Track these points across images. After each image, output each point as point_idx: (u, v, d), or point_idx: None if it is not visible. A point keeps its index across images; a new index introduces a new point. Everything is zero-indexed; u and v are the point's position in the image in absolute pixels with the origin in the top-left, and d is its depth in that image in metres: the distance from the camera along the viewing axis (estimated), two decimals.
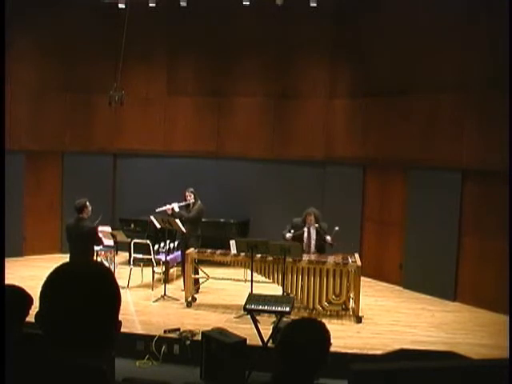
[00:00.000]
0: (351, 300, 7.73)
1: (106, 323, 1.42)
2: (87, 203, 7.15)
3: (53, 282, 1.41)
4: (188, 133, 11.17)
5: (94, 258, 8.06)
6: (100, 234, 7.68)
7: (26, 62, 10.58)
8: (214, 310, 7.87)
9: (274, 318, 6.93)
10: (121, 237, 8.69)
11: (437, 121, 8.85)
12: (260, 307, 6.25)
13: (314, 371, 2.28)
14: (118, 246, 9.56)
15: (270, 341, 6.07)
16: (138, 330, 6.94)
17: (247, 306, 6.24)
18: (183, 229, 8.36)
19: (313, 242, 8.17)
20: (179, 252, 9.18)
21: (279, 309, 6.16)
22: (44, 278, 1.43)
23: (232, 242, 8.04)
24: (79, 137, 11.14)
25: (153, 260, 8.90)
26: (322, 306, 7.64)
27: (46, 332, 1.39)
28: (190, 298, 8.05)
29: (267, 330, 6.34)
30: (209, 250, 8.21)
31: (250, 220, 10.85)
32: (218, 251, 8.16)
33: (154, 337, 6.50)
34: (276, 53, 10.76)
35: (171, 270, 9.37)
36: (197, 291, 8.50)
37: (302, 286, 7.66)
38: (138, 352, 6.44)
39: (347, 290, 7.60)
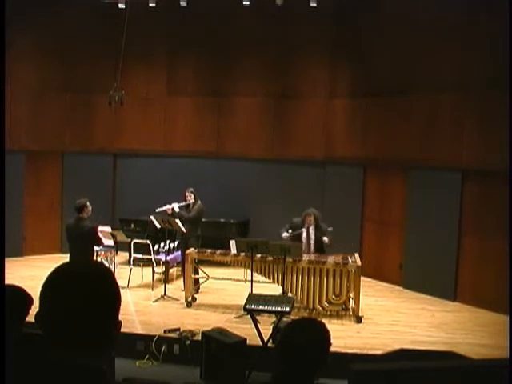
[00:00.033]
0: (351, 300, 7.72)
1: (106, 323, 1.42)
2: (87, 203, 7.15)
3: (53, 282, 1.41)
4: (188, 133, 11.17)
5: (94, 258, 8.06)
6: (100, 234, 7.68)
7: (25, 62, 10.58)
8: (214, 310, 7.87)
9: (273, 318, 6.93)
10: (121, 237, 8.69)
11: (437, 121, 8.85)
12: (260, 307, 6.25)
13: (314, 371, 2.28)
14: (118, 246, 9.56)
15: (270, 341, 6.07)
16: (138, 330, 6.94)
17: (247, 306, 6.25)
18: (183, 229, 8.36)
19: (312, 243, 8.16)
20: (179, 252, 9.18)
21: (279, 309, 6.16)
22: (44, 278, 1.42)
23: (232, 242, 8.04)
24: (79, 137, 11.14)
25: (153, 260, 8.90)
26: (322, 306, 7.64)
27: (46, 332, 1.39)
28: (189, 298, 8.05)
29: (267, 330, 6.34)
30: (209, 250, 8.21)
31: (249, 220, 10.86)
32: (218, 251, 8.16)
33: (153, 337, 6.50)
34: (276, 53, 10.76)
35: (171, 270, 9.37)
36: (197, 291, 8.51)
37: (301, 286, 7.66)
38: (138, 352, 6.44)
39: (347, 290, 7.60)
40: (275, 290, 7.86)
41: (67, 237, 7.26)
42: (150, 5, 10.24)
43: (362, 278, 7.80)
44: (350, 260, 7.72)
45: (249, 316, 6.40)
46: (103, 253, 9.07)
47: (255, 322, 6.22)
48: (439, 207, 8.79)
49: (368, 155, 9.91)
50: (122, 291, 1.49)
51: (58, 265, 1.45)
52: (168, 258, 9.09)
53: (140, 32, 10.66)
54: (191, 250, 8.22)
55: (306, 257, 7.80)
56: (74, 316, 1.36)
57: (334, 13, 10.44)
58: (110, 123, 11.16)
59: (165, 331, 6.68)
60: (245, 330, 6.49)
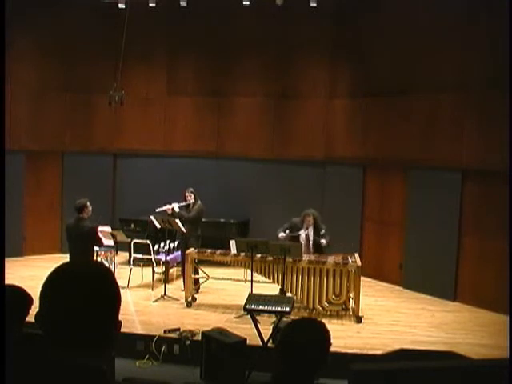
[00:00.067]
0: (351, 300, 7.72)
1: (106, 323, 1.42)
2: (87, 203, 7.15)
3: (53, 282, 1.41)
4: (188, 133, 11.17)
5: (94, 258, 8.06)
6: (100, 234, 7.68)
7: (26, 62, 10.57)
8: (214, 309, 7.87)
9: (273, 318, 6.93)
10: (121, 237, 8.69)
11: (437, 121, 8.85)
12: (260, 307, 6.25)
13: (314, 371, 2.28)
14: (118, 246, 9.56)
15: (270, 341, 6.07)
16: (138, 330, 6.94)
17: (247, 306, 6.24)
18: (183, 229, 8.36)
19: (311, 244, 8.16)
20: (179, 252, 9.18)
21: (279, 309, 6.16)
22: (44, 278, 1.43)
23: (232, 242, 8.04)
24: (79, 137, 11.14)
25: (153, 260, 8.90)
26: (322, 306, 7.64)
27: (46, 332, 1.39)
28: (189, 298, 8.05)
29: (267, 330, 6.34)
30: (209, 250, 8.21)
31: (249, 220, 10.86)
32: (218, 251, 8.16)
33: (154, 337, 6.50)
34: (276, 53, 10.76)
35: (171, 270, 9.37)
36: (197, 291, 8.51)
37: (302, 286, 7.66)
38: (138, 352, 6.44)
39: (347, 290, 7.59)
40: (275, 289, 7.88)
41: (67, 237, 7.26)
42: (150, 5, 10.24)
43: (362, 278, 7.80)
44: (350, 260, 7.72)
45: (249, 316, 6.40)
46: (103, 253, 9.07)
47: (255, 322, 6.22)
48: (439, 207, 8.79)
49: (368, 155, 9.91)
50: (122, 291, 1.49)
51: (58, 265, 1.45)
52: (168, 258, 9.09)
53: (140, 32, 10.67)
54: (191, 250, 8.22)
55: (305, 257, 7.79)
56: (74, 316, 1.36)
57: (334, 13, 10.44)
58: (110, 123, 11.16)
59: (165, 331, 6.68)
60: (245, 329, 6.49)
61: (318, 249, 8.16)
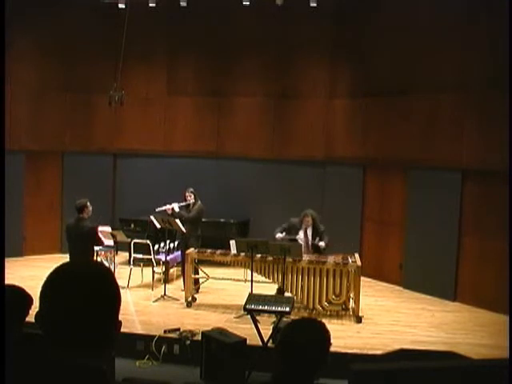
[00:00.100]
0: (351, 300, 7.72)
1: (106, 323, 1.42)
2: (88, 203, 7.15)
3: (53, 282, 1.41)
4: (188, 133, 11.17)
5: (94, 258, 8.06)
6: (100, 234, 7.68)
7: (26, 62, 10.57)
8: (214, 310, 7.87)
9: (273, 318, 6.93)
10: (121, 237, 8.69)
11: (437, 121, 8.85)
12: (260, 307, 6.25)
13: (314, 371, 2.28)
14: (118, 246, 9.56)
15: (270, 341, 6.07)
16: (138, 330, 6.94)
17: (247, 306, 6.24)
18: (183, 229, 8.36)
19: (310, 244, 8.16)
20: (179, 252, 9.18)
21: (279, 309, 6.16)
22: (44, 278, 1.43)
23: (232, 242, 8.04)
24: (79, 137, 11.14)
25: (153, 260, 8.90)
26: (322, 306, 7.64)
27: (46, 332, 1.39)
28: (189, 298, 8.05)
29: (267, 330, 6.34)
30: (209, 250, 8.20)
31: (249, 220, 10.86)
32: (218, 251, 8.16)
33: (154, 337, 6.50)
34: (276, 53, 10.76)
35: (171, 270, 9.37)
36: (197, 291, 8.51)
37: (302, 286, 7.66)
38: (138, 352, 6.44)
39: (347, 290, 7.59)
40: (275, 289, 7.87)
41: (67, 237, 7.26)
42: (150, 5, 10.24)
43: (362, 278, 7.80)
44: (350, 260, 7.72)
45: (249, 316, 6.40)
46: (103, 253, 9.07)
47: (255, 322, 6.22)
48: (439, 207, 8.79)
49: (368, 155, 9.91)
50: (122, 291, 1.49)
51: (58, 265, 1.45)
52: (168, 258, 9.09)
53: (140, 32, 10.67)
54: (191, 250, 8.22)
55: (306, 257, 7.79)
56: (74, 316, 1.36)
57: (334, 13, 10.44)
58: (110, 123, 11.16)
59: (165, 331, 6.67)
60: (245, 329, 6.49)
61: (317, 249, 8.16)
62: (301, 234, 8.13)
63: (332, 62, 10.60)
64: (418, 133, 9.06)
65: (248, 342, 5.98)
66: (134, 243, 9.06)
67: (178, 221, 8.28)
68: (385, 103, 9.61)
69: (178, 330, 6.72)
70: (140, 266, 9.04)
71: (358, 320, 7.45)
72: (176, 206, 8.48)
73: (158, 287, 8.77)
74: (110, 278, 1.46)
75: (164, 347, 6.43)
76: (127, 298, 8.24)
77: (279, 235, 8.08)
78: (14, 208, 10.22)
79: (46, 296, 1.40)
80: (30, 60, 10.68)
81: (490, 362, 5.43)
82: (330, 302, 7.69)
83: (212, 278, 8.61)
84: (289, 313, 6.14)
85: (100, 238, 7.56)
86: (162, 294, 8.29)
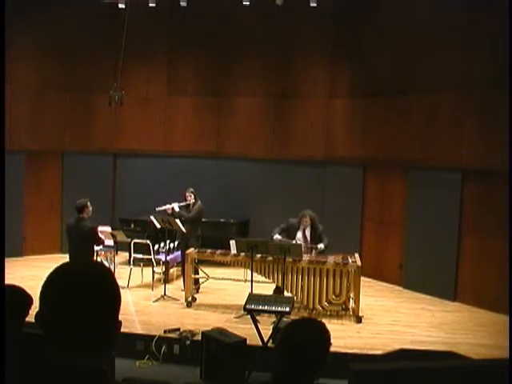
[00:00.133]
0: (351, 300, 7.72)
1: (106, 323, 1.42)
2: (88, 203, 7.15)
3: (53, 282, 1.41)
4: (188, 133, 11.17)
5: (94, 258, 8.06)
6: (100, 234, 7.68)
7: (26, 62, 10.57)
8: (214, 309, 7.87)
9: (273, 318, 6.93)
10: (121, 237, 8.69)
11: (437, 121, 8.85)
12: (260, 307, 6.25)
13: (314, 371, 2.28)
14: (118, 246, 9.56)
15: (270, 341, 6.07)
16: (138, 330, 6.94)
17: (247, 306, 6.24)
18: (183, 229, 8.36)
19: (308, 244, 8.15)
20: (179, 252, 9.18)
21: (279, 309, 6.15)
22: (44, 278, 1.43)
23: (232, 242, 8.04)
24: (79, 137, 11.14)
25: (153, 260, 8.90)
26: (322, 306, 7.64)
27: (46, 332, 1.39)
28: (189, 298, 8.05)
29: (267, 330, 6.34)
30: (209, 250, 8.20)
31: (249, 220, 10.85)
32: (218, 251, 8.16)
33: (154, 337, 6.50)
34: (276, 53, 10.76)
35: (171, 270, 9.37)
36: (197, 291, 8.51)
37: (302, 286, 7.66)
38: (138, 352, 6.44)
39: (347, 290, 7.59)
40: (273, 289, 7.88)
41: (67, 237, 7.26)
42: (150, 5, 10.24)
43: (362, 278, 7.80)
44: (350, 260, 7.72)
45: (249, 316, 6.40)
46: (103, 253, 9.07)
47: (255, 322, 6.22)
48: (439, 207, 8.79)
49: (368, 155, 9.91)
50: (122, 291, 1.49)
51: (58, 265, 1.45)
52: (168, 258, 9.09)
53: (140, 32, 10.67)
54: (191, 250, 8.22)
55: (306, 257, 7.79)
56: (74, 316, 1.36)
57: (334, 13, 10.44)
58: (110, 123, 11.16)
59: (165, 331, 6.67)
60: (245, 329, 6.49)
61: (312, 250, 8.15)
62: (299, 235, 8.12)
63: (332, 62, 10.60)
64: (418, 133, 9.06)
65: (248, 341, 5.98)
66: (134, 243, 9.06)
67: (177, 221, 8.28)
68: (385, 103, 9.61)
69: (178, 330, 6.72)
70: (140, 265, 9.04)
71: (358, 320, 7.45)
72: (176, 206, 8.48)
73: (157, 287, 8.77)
74: (110, 278, 1.46)
75: (164, 347, 6.43)
76: (127, 298, 8.24)
77: (277, 236, 8.05)
78: (14, 208, 10.22)
79: (46, 296, 1.40)
80: (30, 60, 10.68)
81: (490, 362, 5.43)
82: (330, 302, 7.69)
83: (212, 278, 8.61)
84: (289, 313, 6.13)
85: (100, 238, 7.57)
86: (162, 293, 8.29)
